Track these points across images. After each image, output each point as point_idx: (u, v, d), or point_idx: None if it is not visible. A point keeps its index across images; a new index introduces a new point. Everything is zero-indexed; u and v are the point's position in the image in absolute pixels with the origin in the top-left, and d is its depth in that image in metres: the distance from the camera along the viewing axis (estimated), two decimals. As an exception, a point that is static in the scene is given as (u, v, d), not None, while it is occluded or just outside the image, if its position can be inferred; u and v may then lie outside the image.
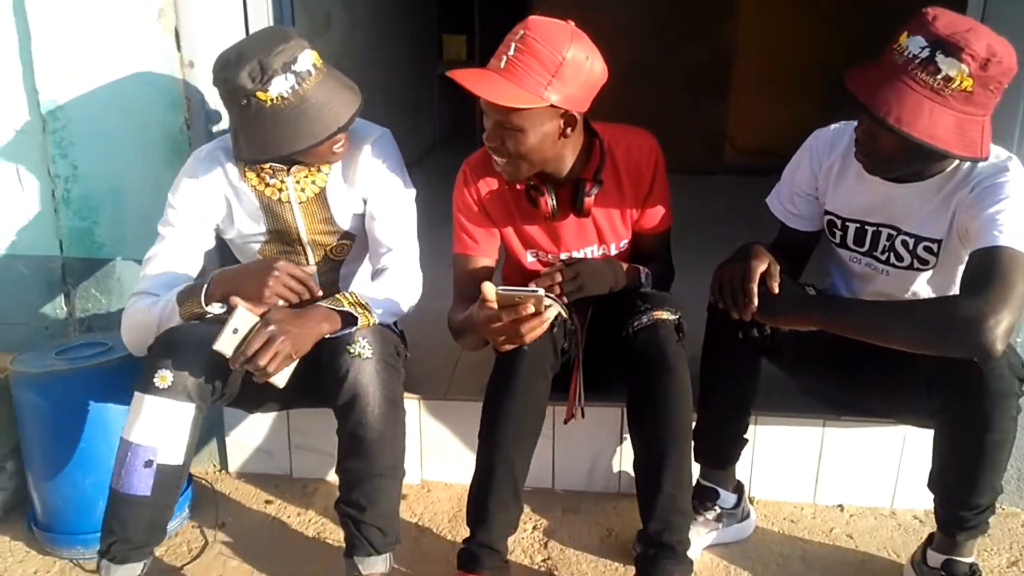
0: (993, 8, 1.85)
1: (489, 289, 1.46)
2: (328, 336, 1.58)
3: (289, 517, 2.06)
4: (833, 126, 1.73)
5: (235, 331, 1.48)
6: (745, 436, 1.86)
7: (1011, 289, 1.35)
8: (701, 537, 1.85)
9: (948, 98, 1.38)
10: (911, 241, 1.62)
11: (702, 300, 1.73)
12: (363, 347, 1.57)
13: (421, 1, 5.45)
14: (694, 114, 4.95)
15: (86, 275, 2.15)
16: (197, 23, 1.96)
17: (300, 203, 1.79)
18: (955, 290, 1.59)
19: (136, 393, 1.56)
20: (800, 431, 2.01)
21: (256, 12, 2.06)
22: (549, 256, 1.88)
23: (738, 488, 1.91)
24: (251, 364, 1.48)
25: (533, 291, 1.45)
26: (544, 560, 1.88)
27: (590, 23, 1.66)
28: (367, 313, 1.63)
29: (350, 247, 1.89)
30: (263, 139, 1.63)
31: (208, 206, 1.79)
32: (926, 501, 1.68)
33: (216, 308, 1.61)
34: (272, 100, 1.59)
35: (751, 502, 2.02)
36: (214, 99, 1.93)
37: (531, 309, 1.45)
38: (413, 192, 1.87)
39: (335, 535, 1.98)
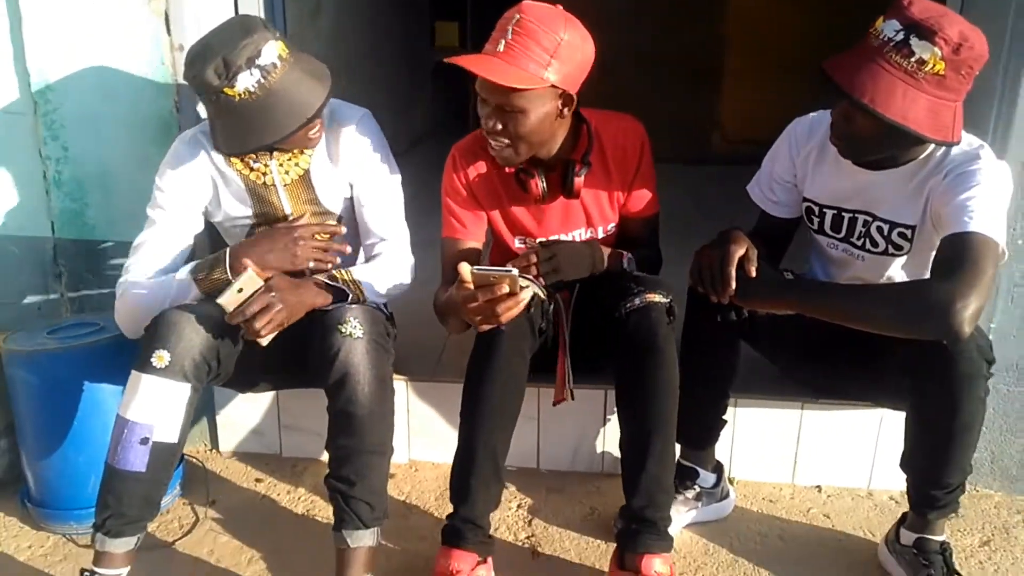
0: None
1: (465, 269, 1.50)
2: (319, 309, 1.65)
3: (279, 495, 2.10)
4: (812, 115, 1.77)
5: (240, 290, 1.57)
6: (724, 417, 1.90)
7: (980, 274, 1.38)
8: (681, 515, 1.89)
9: (921, 81, 1.42)
10: (886, 227, 1.66)
11: (690, 287, 1.76)
12: (354, 327, 1.61)
13: (413, -13, 5.45)
14: (685, 103, 4.96)
15: (77, 256, 2.18)
16: (186, 7, 1.98)
17: (285, 185, 1.82)
18: (928, 275, 1.63)
19: (133, 372, 1.59)
20: (779, 413, 2.05)
21: (246, -2, 2.08)
22: (537, 241, 1.91)
23: (717, 468, 1.96)
24: (247, 323, 1.57)
25: (507, 271, 1.48)
26: (528, 537, 1.92)
27: (580, 10, 1.70)
28: (359, 291, 1.72)
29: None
30: (236, 133, 1.66)
31: (195, 190, 1.81)
32: (902, 482, 1.72)
33: None
34: (240, 95, 1.61)
35: (731, 482, 2.07)
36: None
37: (506, 289, 1.48)
38: (398, 175, 1.91)
39: (324, 513, 2.01)
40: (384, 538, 1.74)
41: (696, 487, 1.91)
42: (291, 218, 1.82)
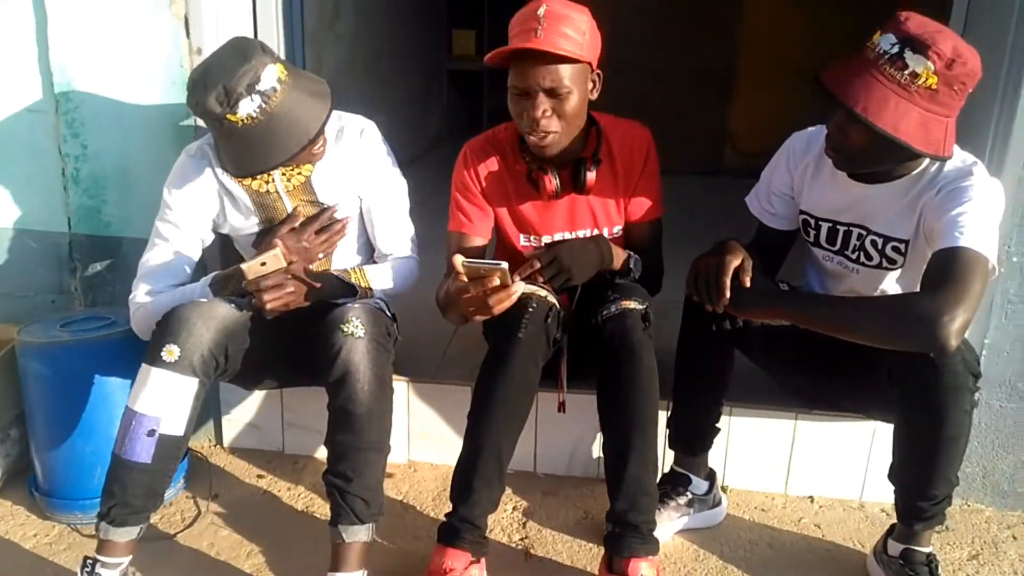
0: (974, 17, 1.91)
1: (458, 260, 1.55)
2: (323, 306, 1.73)
3: (279, 491, 2.14)
4: (810, 129, 1.80)
5: (263, 264, 1.65)
6: (718, 425, 1.92)
7: (967, 288, 1.41)
8: (672, 522, 1.92)
9: (914, 94, 1.45)
10: (880, 241, 1.68)
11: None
12: (356, 326, 1.66)
13: (431, -6, 5.51)
14: (697, 116, 4.98)
15: (93, 251, 2.24)
16: (206, 11, 2.03)
17: (288, 192, 1.87)
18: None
19: (144, 365, 1.64)
20: (773, 423, 2.07)
21: (264, 2, 2.14)
22: (543, 239, 1.94)
23: (710, 476, 1.98)
24: (259, 294, 1.65)
25: (497, 264, 1.52)
26: (522, 539, 1.95)
27: (598, 22, 1.77)
28: (368, 288, 1.83)
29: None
30: (241, 156, 1.73)
31: (202, 206, 1.88)
32: (893, 494, 1.74)
33: None
34: (242, 121, 1.66)
35: (724, 491, 2.09)
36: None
37: (496, 282, 1.53)
38: (404, 183, 1.98)
39: (322, 509, 2.05)
40: (380, 536, 1.78)
41: (688, 494, 1.94)
42: (290, 215, 1.87)
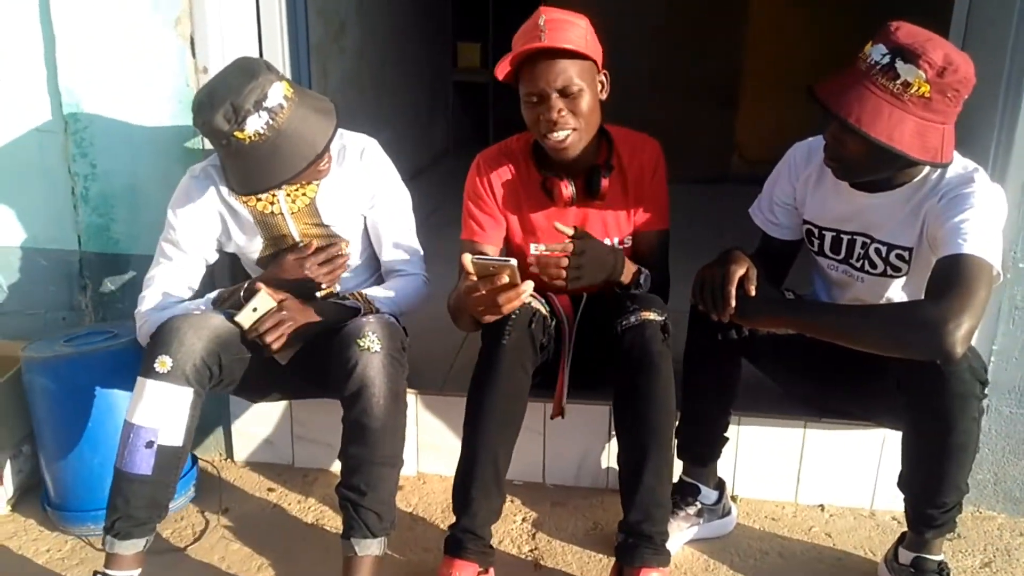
0: (975, 24, 1.92)
1: (467, 259, 1.55)
2: (336, 322, 1.75)
3: (289, 504, 2.15)
4: (811, 139, 1.80)
5: (254, 309, 1.71)
6: (726, 434, 1.92)
7: (972, 295, 1.41)
8: (682, 532, 1.92)
9: (907, 103, 1.45)
10: (884, 249, 1.68)
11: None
12: (372, 341, 1.67)
13: (437, 8, 5.54)
14: (703, 124, 4.99)
15: (102, 269, 2.26)
16: (211, 31, 2.05)
17: (292, 214, 1.89)
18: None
19: (139, 378, 1.66)
20: (783, 432, 2.07)
21: (269, 20, 2.16)
22: (553, 246, 1.95)
23: (719, 485, 1.98)
24: (261, 338, 1.69)
25: (507, 261, 1.53)
26: (531, 550, 1.95)
27: (601, 35, 1.81)
28: (371, 305, 1.82)
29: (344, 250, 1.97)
30: (247, 174, 1.74)
31: (205, 227, 1.90)
32: (903, 502, 1.73)
33: None
34: (250, 138, 1.68)
35: (734, 500, 2.09)
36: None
37: (505, 279, 1.53)
38: (409, 199, 1.99)
39: (333, 522, 2.06)
40: (390, 549, 1.78)
41: (698, 504, 1.93)
42: (300, 245, 1.90)
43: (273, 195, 1.86)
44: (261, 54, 2.18)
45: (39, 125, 2.17)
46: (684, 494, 1.93)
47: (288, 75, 2.05)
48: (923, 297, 1.55)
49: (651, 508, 1.69)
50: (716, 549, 1.94)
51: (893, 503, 2.05)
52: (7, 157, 2.20)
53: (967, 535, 1.99)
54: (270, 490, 2.21)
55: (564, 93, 1.73)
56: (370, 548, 1.68)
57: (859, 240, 1.73)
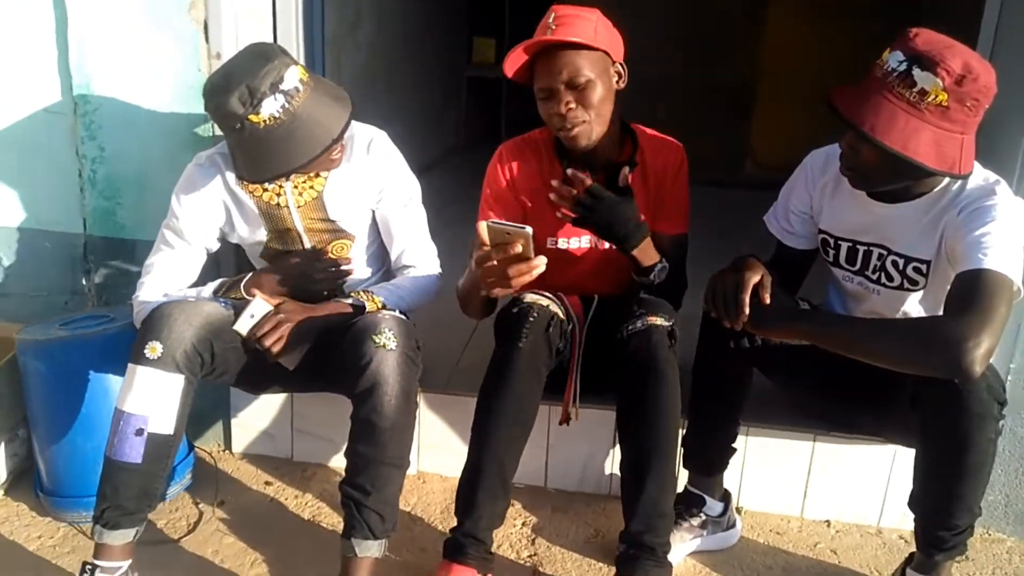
0: (1004, 34, 1.87)
1: (482, 225, 1.50)
2: (347, 317, 1.73)
3: (287, 499, 2.12)
4: (827, 147, 1.76)
5: (252, 316, 1.70)
6: (734, 445, 1.88)
7: (992, 312, 1.37)
8: (685, 543, 1.88)
9: (924, 112, 1.41)
10: (901, 261, 1.64)
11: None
12: (389, 338, 1.62)
13: (452, 2, 5.51)
14: (717, 129, 4.96)
15: (107, 253, 2.23)
16: (225, 16, 2.03)
17: (299, 207, 1.85)
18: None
19: (129, 364, 1.63)
20: (791, 445, 2.03)
21: (284, 7, 2.13)
22: (571, 242, 1.93)
23: (725, 497, 1.94)
24: (260, 344, 1.66)
25: (522, 228, 1.46)
26: (530, 556, 1.92)
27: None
28: (374, 300, 1.78)
29: (350, 248, 1.93)
30: (260, 160, 1.69)
31: (208, 215, 1.86)
32: (912, 521, 1.69)
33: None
34: (264, 121, 1.63)
35: (739, 512, 2.05)
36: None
37: (519, 249, 1.47)
38: (419, 191, 1.95)
39: (329, 519, 2.03)
40: (388, 550, 1.75)
41: (702, 515, 1.90)
42: (308, 248, 1.88)
43: (280, 186, 1.82)
44: (276, 42, 2.15)
45: (48, 106, 2.15)
46: (688, 504, 1.90)
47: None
48: (941, 312, 1.51)
49: (653, 518, 1.66)
50: (719, 562, 1.91)
51: (902, 522, 2.01)
52: (15, 137, 2.18)
53: (975, 557, 1.95)
54: (267, 483, 2.18)
55: (572, 85, 1.72)
56: (370, 550, 1.65)
57: (876, 251, 1.68)
